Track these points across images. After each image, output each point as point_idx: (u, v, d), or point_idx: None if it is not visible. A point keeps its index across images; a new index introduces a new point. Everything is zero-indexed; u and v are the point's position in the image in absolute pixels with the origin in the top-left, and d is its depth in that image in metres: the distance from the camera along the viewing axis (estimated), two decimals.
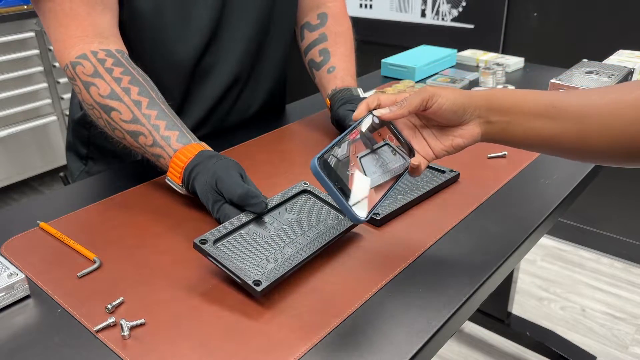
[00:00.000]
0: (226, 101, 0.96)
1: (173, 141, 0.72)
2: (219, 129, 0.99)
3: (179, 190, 0.72)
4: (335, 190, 0.50)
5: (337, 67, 0.97)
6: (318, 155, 0.51)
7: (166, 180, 0.73)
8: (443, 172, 0.79)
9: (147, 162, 0.78)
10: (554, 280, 1.95)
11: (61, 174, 1.04)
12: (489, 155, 0.86)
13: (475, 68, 1.32)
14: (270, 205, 0.66)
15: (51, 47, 2.44)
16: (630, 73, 1.04)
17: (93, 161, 0.99)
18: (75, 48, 0.75)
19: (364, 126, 0.57)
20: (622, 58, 1.15)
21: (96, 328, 0.53)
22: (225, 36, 0.90)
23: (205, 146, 0.73)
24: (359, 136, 0.56)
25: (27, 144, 2.49)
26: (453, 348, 1.66)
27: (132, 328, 0.53)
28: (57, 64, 2.47)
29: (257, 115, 1.02)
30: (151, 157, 0.74)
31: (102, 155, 0.98)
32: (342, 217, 0.65)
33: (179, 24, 0.84)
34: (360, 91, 0.94)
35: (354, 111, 0.68)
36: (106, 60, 0.75)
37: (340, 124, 0.90)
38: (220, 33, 0.89)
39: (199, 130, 0.96)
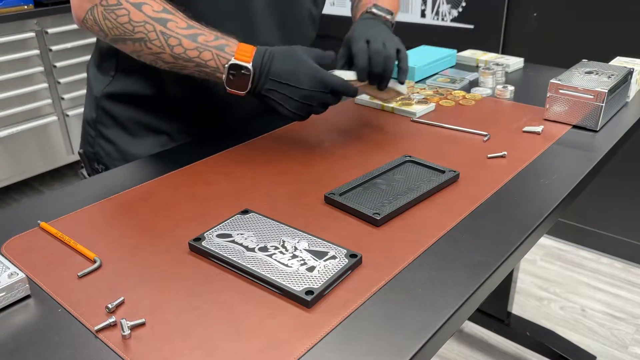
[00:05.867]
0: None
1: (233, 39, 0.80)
2: (233, 123, 1.01)
3: (239, 78, 0.78)
4: None
5: (363, 0, 1.03)
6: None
7: (230, 63, 0.78)
8: (443, 172, 0.79)
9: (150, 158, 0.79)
10: (554, 280, 1.95)
11: (80, 150, 1.05)
12: (488, 156, 0.87)
13: (475, 68, 1.32)
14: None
15: (52, 48, 2.44)
16: (630, 73, 1.04)
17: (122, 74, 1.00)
18: None
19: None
20: (620, 63, 1.16)
21: (96, 328, 0.53)
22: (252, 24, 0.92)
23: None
24: None
25: (27, 144, 2.49)
26: (453, 348, 1.66)
27: (132, 328, 0.53)
28: (57, 64, 2.47)
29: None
30: (206, 57, 0.78)
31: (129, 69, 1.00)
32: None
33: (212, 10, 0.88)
34: (373, 7, 0.97)
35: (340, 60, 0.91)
36: None
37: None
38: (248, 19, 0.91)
39: (215, 123, 1.00)
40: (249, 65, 0.78)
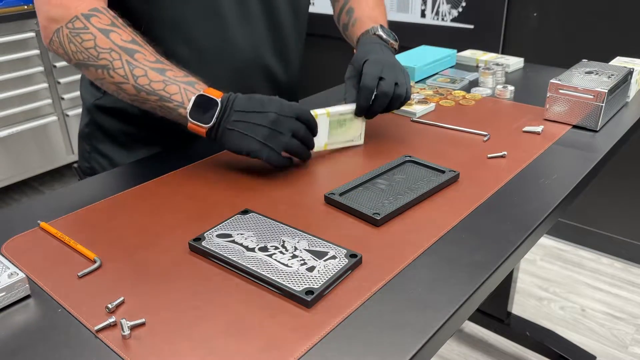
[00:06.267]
0: (234, 88, 0.96)
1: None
2: None
3: (203, 112, 0.75)
4: None
5: (359, 18, 1.01)
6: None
7: (199, 94, 0.75)
8: (443, 172, 0.79)
9: (147, 158, 0.79)
10: (554, 280, 1.95)
11: (75, 164, 1.05)
12: (488, 156, 0.87)
13: (475, 68, 1.32)
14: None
15: None
16: (630, 73, 1.04)
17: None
18: (85, 2, 0.77)
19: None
20: (620, 63, 1.16)
21: (96, 328, 0.53)
22: (240, 22, 0.91)
23: None
24: None
25: (27, 144, 2.49)
26: (453, 348, 1.66)
27: (132, 328, 0.53)
28: (57, 64, 2.47)
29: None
30: (172, 90, 0.76)
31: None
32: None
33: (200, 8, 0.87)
34: (378, 28, 0.97)
35: (351, 80, 0.89)
36: (118, 18, 0.79)
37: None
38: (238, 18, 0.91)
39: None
40: (218, 99, 0.76)
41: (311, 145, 0.81)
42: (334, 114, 0.86)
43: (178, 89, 0.76)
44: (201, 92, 0.76)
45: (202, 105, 0.75)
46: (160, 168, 0.86)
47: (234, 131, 0.76)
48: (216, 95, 0.76)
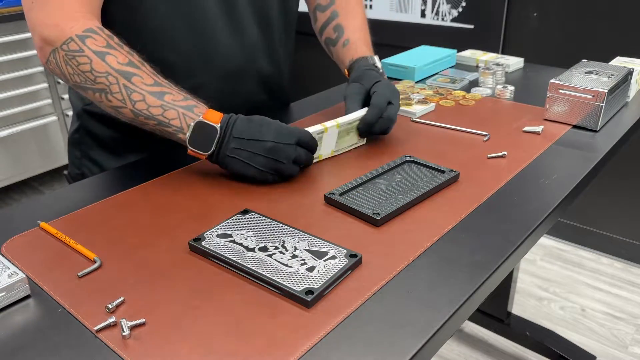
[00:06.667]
0: (225, 92, 0.96)
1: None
2: None
3: (203, 139, 0.75)
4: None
5: (350, 39, 1.01)
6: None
7: (197, 121, 0.74)
8: (443, 172, 0.79)
9: (149, 158, 0.78)
10: (554, 280, 1.95)
11: (65, 172, 1.04)
12: (488, 155, 0.87)
13: (475, 68, 1.32)
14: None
15: None
16: (630, 73, 1.04)
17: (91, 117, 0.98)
18: (79, 23, 0.75)
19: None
20: (620, 63, 1.16)
21: (96, 328, 0.53)
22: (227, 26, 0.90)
23: None
24: None
25: (27, 144, 2.49)
26: (453, 348, 1.66)
27: (132, 328, 0.53)
28: None
29: (259, 111, 1.03)
30: (171, 115, 0.75)
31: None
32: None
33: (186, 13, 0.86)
34: (376, 59, 0.98)
35: (357, 96, 0.90)
36: (114, 37, 0.77)
37: (344, 100, 0.93)
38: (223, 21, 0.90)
39: None
40: (217, 126, 0.75)
41: (311, 163, 0.82)
42: (343, 124, 0.86)
43: (177, 114, 0.75)
44: (200, 119, 0.75)
45: (201, 132, 0.75)
46: (160, 168, 0.86)
47: (235, 159, 0.76)
48: (215, 120, 0.75)
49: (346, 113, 0.89)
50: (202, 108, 0.77)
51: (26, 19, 0.78)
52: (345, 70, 1.00)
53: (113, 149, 0.97)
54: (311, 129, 0.81)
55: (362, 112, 0.88)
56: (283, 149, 0.75)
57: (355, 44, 1.00)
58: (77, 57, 0.74)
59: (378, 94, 0.88)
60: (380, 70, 0.97)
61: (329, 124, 0.84)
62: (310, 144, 0.79)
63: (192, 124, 0.74)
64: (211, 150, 0.76)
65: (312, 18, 1.09)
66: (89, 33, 0.75)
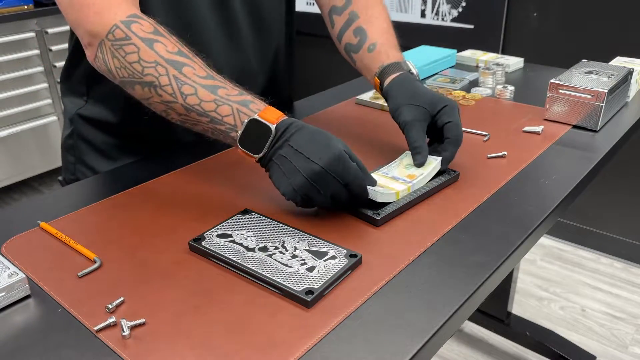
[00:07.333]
0: None
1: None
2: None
3: (255, 139, 0.66)
4: None
5: (377, 42, 0.89)
6: None
7: (252, 118, 0.66)
8: (443, 172, 0.79)
9: (154, 156, 0.76)
10: (554, 280, 1.95)
11: (59, 177, 1.04)
12: (488, 155, 0.87)
13: (475, 68, 1.32)
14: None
15: (52, 48, 2.44)
16: (630, 73, 1.04)
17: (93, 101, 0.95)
18: (121, 8, 0.70)
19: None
20: (620, 63, 1.16)
21: (96, 328, 0.53)
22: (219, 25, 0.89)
23: None
24: None
25: (27, 144, 2.49)
26: (453, 348, 1.66)
27: (132, 328, 0.53)
28: (57, 64, 2.47)
29: None
30: (224, 111, 0.67)
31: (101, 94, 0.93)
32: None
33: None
34: (410, 64, 0.87)
35: (422, 123, 0.79)
36: (160, 25, 0.71)
37: (400, 127, 0.82)
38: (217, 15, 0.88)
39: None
40: (272, 126, 0.66)
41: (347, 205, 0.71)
42: (416, 185, 0.75)
43: (231, 110, 0.67)
44: (255, 117, 0.66)
45: (254, 131, 0.67)
46: (159, 168, 0.86)
47: (277, 166, 0.67)
48: (272, 119, 0.66)
49: (409, 142, 0.79)
50: (259, 104, 0.68)
51: (67, 19, 0.73)
52: (375, 77, 0.87)
53: (107, 153, 0.96)
54: (378, 194, 0.70)
55: (436, 162, 0.77)
56: (328, 180, 0.65)
57: (383, 47, 0.88)
58: (124, 46, 0.68)
59: (455, 124, 0.78)
60: (418, 78, 0.87)
61: (400, 187, 0.73)
62: (360, 197, 0.69)
63: (246, 121, 0.67)
64: (262, 153, 0.67)
65: (327, 23, 0.97)
66: (133, 18, 0.69)
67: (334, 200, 0.68)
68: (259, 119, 0.66)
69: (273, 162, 0.67)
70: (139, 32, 0.69)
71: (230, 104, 0.67)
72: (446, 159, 0.78)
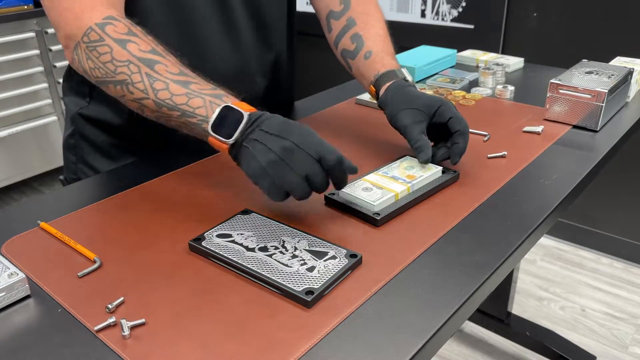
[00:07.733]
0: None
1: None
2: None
3: (227, 126, 0.65)
4: None
5: (373, 50, 0.89)
6: None
7: (225, 105, 0.65)
8: (443, 172, 0.79)
9: (151, 157, 0.76)
10: (554, 280, 1.95)
11: (61, 177, 1.04)
12: (488, 156, 0.87)
13: (475, 68, 1.32)
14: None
15: (52, 48, 2.44)
16: (630, 73, 1.04)
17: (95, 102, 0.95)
18: (98, 11, 0.71)
19: None
20: (620, 63, 1.16)
21: (96, 328, 0.53)
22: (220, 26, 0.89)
23: None
24: None
25: (27, 144, 2.49)
26: (453, 348, 1.66)
27: (132, 328, 0.53)
28: (57, 64, 2.47)
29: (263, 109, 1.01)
30: (196, 104, 0.67)
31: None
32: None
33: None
34: (404, 72, 0.88)
35: (421, 124, 0.80)
36: (136, 26, 0.72)
37: (400, 131, 0.83)
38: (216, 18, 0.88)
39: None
40: (245, 113, 0.65)
41: (324, 190, 0.67)
42: (415, 185, 0.75)
43: (203, 102, 0.67)
44: (229, 104, 0.66)
45: (227, 118, 0.65)
46: (160, 168, 0.86)
47: (247, 150, 0.64)
48: (245, 109, 0.66)
49: (411, 143, 0.80)
50: (232, 98, 0.68)
51: (49, 19, 0.76)
52: (371, 86, 0.88)
53: (108, 153, 0.96)
54: (376, 201, 0.70)
55: (436, 169, 0.78)
56: (299, 155, 0.62)
57: (379, 55, 0.89)
58: (97, 47, 0.70)
59: (458, 119, 0.79)
60: (413, 85, 0.87)
61: (399, 188, 0.73)
62: (334, 171, 0.65)
63: (220, 107, 0.65)
64: (234, 139, 0.65)
65: (324, 27, 0.98)
66: (109, 20, 0.71)
67: (310, 182, 0.64)
68: (233, 105, 0.66)
69: (243, 146, 0.65)
70: (112, 34, 0.70)
71: (203, 97, 0.67)
72: (459, 151, 0.78)
